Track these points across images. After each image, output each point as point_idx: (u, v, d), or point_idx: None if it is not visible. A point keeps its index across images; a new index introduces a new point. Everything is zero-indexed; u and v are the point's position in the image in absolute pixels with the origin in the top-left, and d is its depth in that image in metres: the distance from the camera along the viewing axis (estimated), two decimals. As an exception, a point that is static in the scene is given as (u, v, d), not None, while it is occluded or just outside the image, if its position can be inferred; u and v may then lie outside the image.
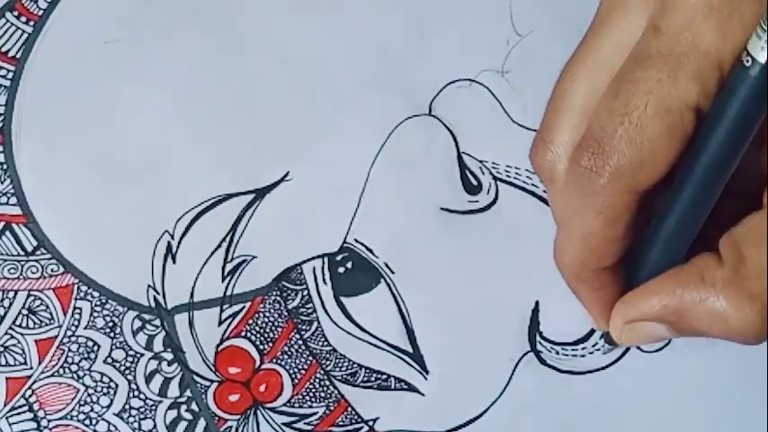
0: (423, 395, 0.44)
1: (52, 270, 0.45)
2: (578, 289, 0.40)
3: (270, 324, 0.45)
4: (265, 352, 0.45)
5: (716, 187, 0.34)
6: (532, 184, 0.47)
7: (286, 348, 0.45)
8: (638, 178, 0.35)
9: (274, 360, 0.45)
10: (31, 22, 0.48)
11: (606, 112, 0.35)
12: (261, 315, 0.45)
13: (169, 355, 0.44)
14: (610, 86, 0.35)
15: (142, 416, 0.44)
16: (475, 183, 0.47)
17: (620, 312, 0.39)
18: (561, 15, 0.49)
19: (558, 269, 0.40)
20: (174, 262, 0.45)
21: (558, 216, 0.39)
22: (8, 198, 0.46)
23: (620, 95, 0.34)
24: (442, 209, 0.46)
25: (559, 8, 0.49)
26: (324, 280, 0.45)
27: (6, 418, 0.43)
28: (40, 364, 0.44)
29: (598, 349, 0.45)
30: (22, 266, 0.45)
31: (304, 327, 0.45)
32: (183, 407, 0.44)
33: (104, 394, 0.44)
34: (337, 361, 0.45)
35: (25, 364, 0.44)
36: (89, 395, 0.44)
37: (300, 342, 0.45)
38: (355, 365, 0.45)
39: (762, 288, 0.35)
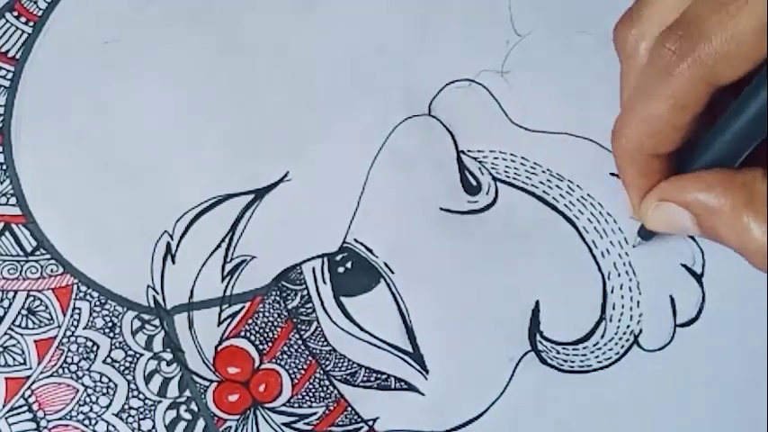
0: (423, 395, 0.44)
1: (52, 270, 0.45)
2: (627, 171, 0.41)
3: (269, 324, 0.45)
4: (265, 352, 0.45)
5: None
6: (532, 185, 0.47)
7: (285, 348, 0.45)
8: (720, 70, 0.35)
9: (274, 360, 0.44)
10: (31, 23, 0.48)
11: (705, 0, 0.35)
12: (260, 315, 0.45)
13: (168, 355, 0.44)
14: None
15: (141, 416, 0.44)
16: (474, 183, 0.47)
17: (658, 189, 0.40)
18: (561, 16, 0.49)
19: (613, 148, 0.41)
20: (174, 262, 0.45)
21: (627, 95, 0.40)
22: (8, 198, 0.46)
23: None
24: (441, 209, 0.46)
25: (559, 8, 0.49)
26: (323, 280, 0.45)
27: (6, 419, 0.43)
28: (39, 364, 0.44)
29: (599, 348, 0.45)
30: (22, 267, 0.45)
31: (303, 327, 0.45)
32: (183, 407, 0.44)
33: (103, 394, 0.44)
34: (337, 361, 0.44)
35: (24, 364, 0.44)
36: (88, 395, 0.44)
37: (300, 342, 0.45)
38: (355, 365, 0.44)
39: None
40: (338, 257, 0.45)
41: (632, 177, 0.41)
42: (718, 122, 0.38)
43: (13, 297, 0.45)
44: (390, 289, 0.45)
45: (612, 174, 0.47)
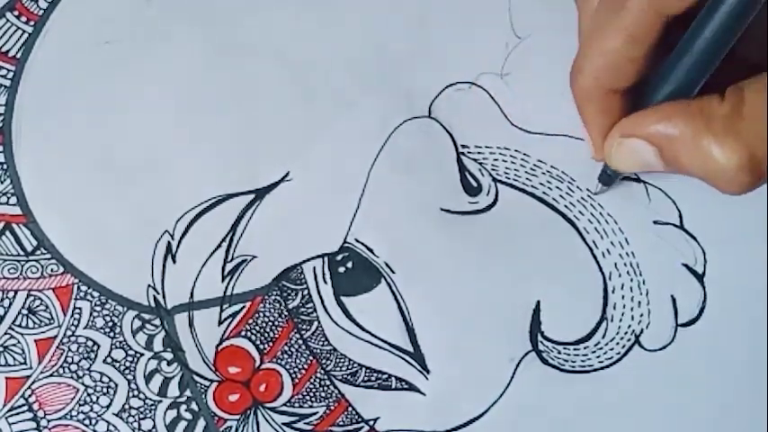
0: (423, 395, 0.44)
1: (52, 270, 0.45)
2: (587, 109, 0.42)
3: (270, 324, 0.45)
4: (265, 352, 0.44)
5: (739, 24, 0.36)
6: (532, 186, 0.47)
7: (286, 348, 0.45)
8: (669, 1, 0.37)
9: (274, 360, 0.44)
10: (32, 22, 0.48)
11: None
12: (261, 315, 0.45)
13: (169, 355, 0.44)
14: None
15: (142, 416, 0.43)
16: (474, 184, 0.47)
17: (619, 126, 0.41)
18: (560, 18, 0.49)
19: (572, 88, 0.42)
20: (174, 262, 0.45)
21: (583, 35, 0.41)
22: (8, 198, 0.46)
23: None
24: (442, 210, 0.46)
25: (559, 11, 0.49)
26: (324, 279, 0.45)
27: (6, 418, 0.43)
28: (39, 363, 0.44)
29: (601, 348, 0.45)
30: (22, 266, 0.45)
31: (304, 326, 0.45)
32: (183, 407, 0.44)
33: (104, 394, 0.44)
34: (338, 360, 0.44)
35: (25, 363, 0.44)
36: (89, 395, 0.44)
37: (301, 342, 0.45)
38: (356, 365, 0.44)
39: (753, 130, 0.36)
40: (339, 257, 0.45)
41: (592, 115, 0.43)
42: (671, 55, 0.39)
43: (14, 297, 0.45)
44: (391, 289, 0.45)
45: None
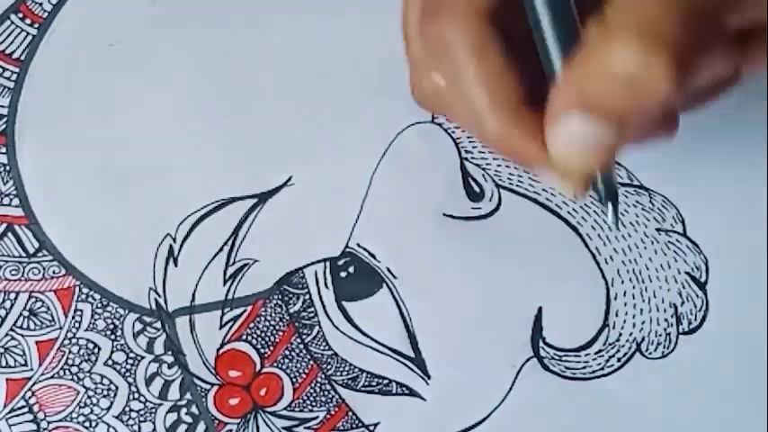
0: (424, 400, 0.44)
1: (54, 272, 0.45)
2: (514, 143, 0.37)
3: (271, 328, 0.45)
4: (266, 356, 0.44)
5: None
6: (534, 192, 0.47)
7: (287, 352, 0.45)
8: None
9: (275, 364, 0.44)
10: (36, 25, 0.48)
11: None
12: (262, 319, 0.45)
13: (170, 358, 0.44)
14: None
15: (142, 418, 0.43)
16: (477, 190, 0.47)
17: (550, 130, 0.35)
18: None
19: (485, 143, 0.42)
20: (176, 265, 0.45)
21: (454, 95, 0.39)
22: (10, 199, 0.46)
23: None
24: (444, 215, 0.46)
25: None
26: (325, 284, 0.45)
27: (6, 420, 0.43)
28: (40, 365, 0.44)
29: (602, 355, 0.45)
30: (24, 268, 0.45)
31: (305, 331, 0.45)
32: (183, 410, 0.44)
33: (104, 396, 0.44)
34: (338, 365, 0.44)
35: (25, 365, 0.44)
36: (89, 397, 0.44)
37: (302, 346, 0.45)
38: (356, 370, 0.44)
39: (636, 16, 0.32)
40: (340, 262, 0.45)
41: (525, 146, 0.37)
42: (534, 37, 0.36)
43: (15, 298, 0.45)
44: (392, 294, 0.45)
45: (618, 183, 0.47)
